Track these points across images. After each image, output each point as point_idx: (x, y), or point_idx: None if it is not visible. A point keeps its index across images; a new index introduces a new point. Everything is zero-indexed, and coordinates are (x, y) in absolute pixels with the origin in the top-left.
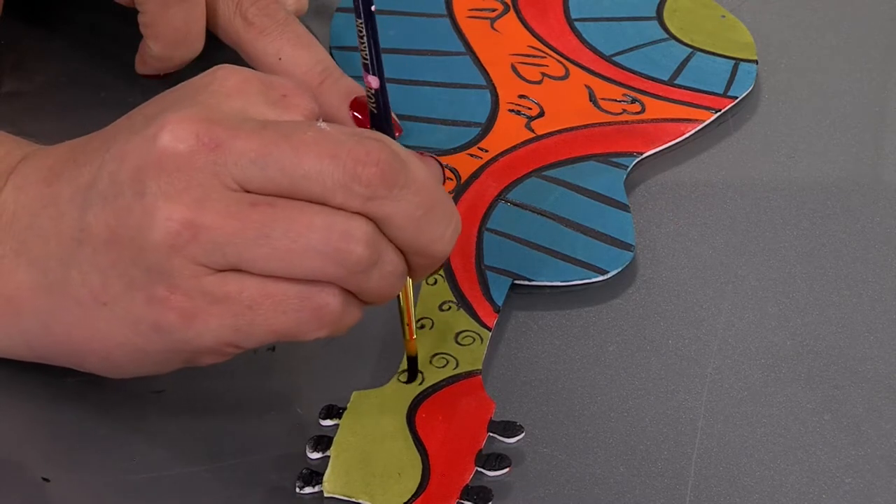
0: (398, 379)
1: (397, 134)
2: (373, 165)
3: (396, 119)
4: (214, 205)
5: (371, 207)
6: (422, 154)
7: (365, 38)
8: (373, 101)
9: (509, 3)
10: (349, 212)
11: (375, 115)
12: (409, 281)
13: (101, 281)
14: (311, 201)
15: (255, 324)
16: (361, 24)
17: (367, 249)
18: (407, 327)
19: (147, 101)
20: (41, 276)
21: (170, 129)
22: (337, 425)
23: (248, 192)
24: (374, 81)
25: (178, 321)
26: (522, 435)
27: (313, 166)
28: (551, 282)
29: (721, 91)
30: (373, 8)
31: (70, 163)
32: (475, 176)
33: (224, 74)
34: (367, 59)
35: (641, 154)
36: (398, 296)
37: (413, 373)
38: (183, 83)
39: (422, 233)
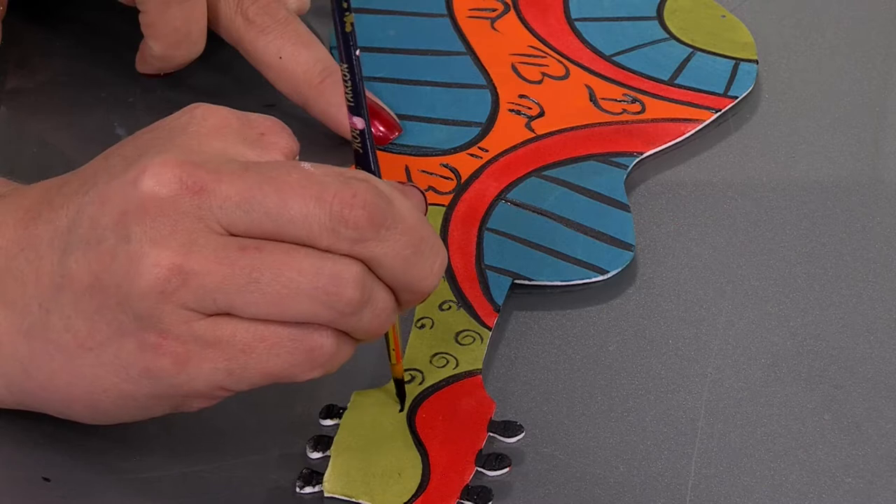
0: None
1: (397, 134)
2: (359, 208)
3: (396, 119)
4: (202, 250)
5: (359, 249)
6: (404, 185)
7: (350, 81)
8: (357, 141)
9: (509, 2)
10: (338, 254)
11: (361, 155)
12: None
13: (86, 326)
14: (298, 244)
15: (249, 367)
16: (346, 68)
17: (357, 291)
18: (393, 352)
19: (123, 141)
20: (19, 319)
21: (152, 174)
22: (337, 425)
23: (233, 235)
24: (359, 123)
25: (170, 366)
26: (522, 435)
27: (299, 210)
28: (551, 281)
29: (721, 91)
30: (357, 53)
31: (46, 205)
32: (475, 176)
33: (202, 114)
34: (351, 102)
35: (641, 154)
36: None
37: (402, 396)
38: (160, 121)
39: (410, 271)
